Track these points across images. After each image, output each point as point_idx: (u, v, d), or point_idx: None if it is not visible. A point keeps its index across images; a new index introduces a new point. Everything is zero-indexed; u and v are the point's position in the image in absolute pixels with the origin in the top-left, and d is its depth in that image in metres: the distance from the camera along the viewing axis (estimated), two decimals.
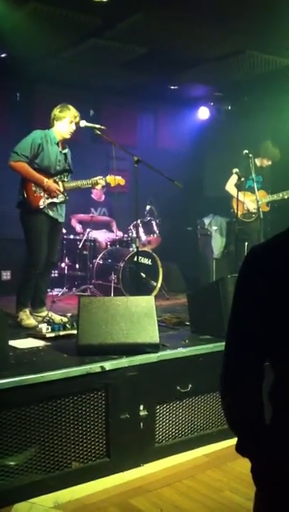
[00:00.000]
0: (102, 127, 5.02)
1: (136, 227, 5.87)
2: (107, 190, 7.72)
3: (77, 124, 5.04)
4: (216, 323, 4.11)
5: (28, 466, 3.21)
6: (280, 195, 6.47)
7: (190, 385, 3.87)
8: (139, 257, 6.16)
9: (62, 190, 5.02)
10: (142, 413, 3.63)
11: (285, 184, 6.61)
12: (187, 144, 9.16)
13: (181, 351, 3.92)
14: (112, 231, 7.44)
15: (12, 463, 3.15)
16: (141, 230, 6.97)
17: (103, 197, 7.72)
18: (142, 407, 3.64)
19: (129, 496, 3.25)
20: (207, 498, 3.24)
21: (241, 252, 6.66)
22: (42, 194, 4.91)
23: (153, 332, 3.77)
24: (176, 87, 7.80)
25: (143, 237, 6.99)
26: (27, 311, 4.97)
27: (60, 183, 5.03)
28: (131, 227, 7.03)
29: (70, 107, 5.02)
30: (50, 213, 4.98)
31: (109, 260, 6.75)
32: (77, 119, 5.02)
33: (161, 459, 3.71)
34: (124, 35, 5.72)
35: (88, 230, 7.05)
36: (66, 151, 5.17)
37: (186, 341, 4.19)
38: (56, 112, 5.01)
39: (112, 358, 3.60)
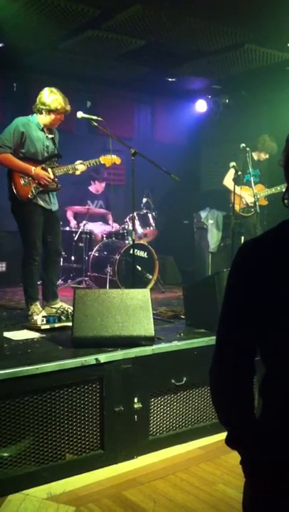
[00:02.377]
0: (99, 119, 4.97)
1: (132, 219, 5.86)
2: (106, 183, 7.70)
3: (67, 114, 4.86)
4: (211, 317, 4.10)
5: (21, 457, 3.21)
6: (278, 188, 6.46)
7: (184, 378, 3.88)
8: (135, 250, 6.15)
9: (52, 177, 4.88)
10: (136, 406, 3.64)
11: (282, 178, 6.59)
12: (184, 137, 9.15)
13: (176, 344, 3.92)
14: (109, 223, 7.42)
15: (6, 454, 3.16)
16: (137, 222, 6.95)
17: (101, 191, 7.70)
18: (136, 400, 3.64)
19: (122, 488, 3.26)
20: (200, 490, 3.25)
21: (237, 246, 6.63)
22: (30, 184, 4.79)
23: (148, 325, 3.77)
24: (173, 80, 7.77)
25: (139, 229, 6.98)
26: (38, 304, 4.87)
27: (49, 169, 4.88)
28: (127, 219, 7.02)
29: (59, 95, 4.78)
30: (42, 204, 4.86)
31: (105, 253, 6.74)
32: (66, 108, 4.80)
33: (155, 452, 3.73)
34: (123, 27, 5.68)
35: (84, 222, 7.03)
36: (53, 135, 5.01)
37: (181, 334, 4.20)
38: (44, 98, 4.77)
39: (107, 350, 3.60)
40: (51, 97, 4.77)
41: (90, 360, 3.45)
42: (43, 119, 4.83)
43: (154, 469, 3.52)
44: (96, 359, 3.47)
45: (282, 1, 5.01)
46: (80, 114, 4.95)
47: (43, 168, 4.86)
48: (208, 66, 7.00)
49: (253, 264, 1.40)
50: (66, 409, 3.38)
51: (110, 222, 7.39)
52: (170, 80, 7.76)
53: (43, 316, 4.37)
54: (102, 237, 7.15)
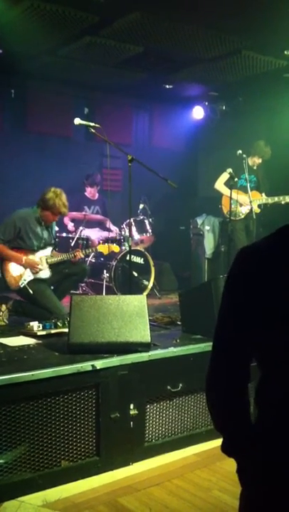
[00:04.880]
0: (97, 125, 4.99)
1: (129, 225, 5.87)
2: (101, 188, 7.71)
3: (63, 214, 5.15)
4: (207, 323, 4.08)
5: (17, 464, 3.20)
6: (275, 199, 6.48)
7: (180, 385, 3.88)
8: (132, 256, 6.16)
9: (44, 265, 5.10)
10: (132, 412, 3.63)
11: (280, 185, 6.64)
12: (181, 143, 9.18)
13: (172, 351, 3.92)
14: (105, 229, 7.42)
15: (1, 461, 3.15)
16: (134, 228, 6.96)
17: (97, 195, 7.70)
18: (132, 406, 3.64)
19: (118, 495, 3.25)
20: (196, 497, 3.24)
21: (233, 252, 6.68)
22: (22, 273, 5.00)
23: (144, 331, 3.77)
24: (171, 87, 7.80)
25: (136, 235, 6.99)
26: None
27: (42, 258, 5.10)
28: (124, 225, 7.02)
29: (60, 197, 5.01)
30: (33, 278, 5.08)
31: (102, 259, 6.74)
32: (64, 212, 5.08)
33: (150, 458, 3.72)
34: (121, 34, 5.71)
35: (81, 228, 7.03)
36: (50, 225, 5.25)
37: (178, 341, 4.19)
38: (45, 197, 5.02)
39: (103, 356, 3.60)
40: (51, 196, 5.02)
41: (86, 366, 3.45)
42: (40, 213, 5.09)
43: (149, 476, 3.52)
44: (92, 365, 3.47)
45: (279, 9, 5.05)
46: (77, 121, 4.96)
47: (34, 257, 5.07)
48: (206, 73, 7.03)
49: (250, 270, 1.40)
50: (62, 416, 3.37)
51: (109, 226, 7.38)
52: (167, 86, 7.79)
53: (39, 322, 4.36)
54: (99, 242, 7.14)
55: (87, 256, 6.36)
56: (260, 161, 6.88)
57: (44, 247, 5.16)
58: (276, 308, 1.35)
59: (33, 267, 5.01)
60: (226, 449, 1.50)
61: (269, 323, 1.36)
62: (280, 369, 1.36)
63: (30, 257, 5.03)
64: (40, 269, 5.06)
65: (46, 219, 5.11)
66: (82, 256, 5.42)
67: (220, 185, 6.82)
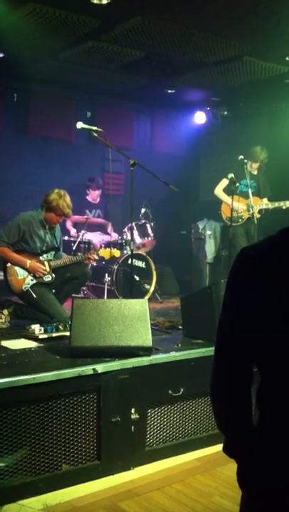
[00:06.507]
0: (99, 129, 5.00)
1: (130, 229, 5.88)
2: (103, 192, 7.72)
3: (67, 215, 5.16)
4: (208, 328, 4.11)
5: (18, 467, 3.20)
6: (276, 204, 6.50)
7: (182, 389, 3.87)
8: (133, 260, 6.16)
9: (48, 270, 5.10)
10: (133, 416, 3.63)
11: (282, 190, 6.65)
12: (183, 148, 9.19)
13: (174, 355, 3.92)
14: (107, 233, 7.44)
15: (2, 464, 3.15)
16: (135, 232, 6.96)
17: (98, 199, 7.71)
18: (133, 411, 3.64)
19: (118, 499, 3.24)
20: (196, 502, 3.24)
21: (234, 257, 6.67)
22: (25, 278, 4.99)
23: (146, 335, 3.77)
24: (173, 91, 7.81)
25: (137, 239, 6.99)
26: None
27: (46, 262, 5.10)
28: (125, 229, 7.03)
29: (63, 199, 5.02)
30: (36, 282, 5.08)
31: (103, 262, 6.74)
32: (68, 213, 5.09)
33: (151, 463, 3.72)
34: (123, 38, 5.72)
35: (83, 231, 7.04)
36: (54, 229, 5.26)
37: (179, 345, 4.19)
38: (48, 198, 5.03)
39: (105, 360, 3.60)
40: (54, 197, 5.02)
41: (87, 370, 3.45)
42: (44, 215, 5.09)
43: (150, 480, 3.51)
44: (93, 369, 3.47)
45: (280, 15, 5.06)
46: (79, 125, 4.97)
47: (39, 261, 5.06)
48: (207, 78, 7.04)
49: (251, 269, 1.41)
50: (63, 420, 3.37)
51: (110, 231, 7.39)
52: (169, 91, 7.80)
53: (40, 326, 4.37)
54: (101, 246, 7.15)
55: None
56: (256, 165, 6.90)
57: (47, 251, 5.16)
58: (276, 308, 1.36)
59: (37, 271, 5.00)
60: (226, 448, 1.51)
61: (269, 322, 1.37)
62: (280, 370, 1.36)
63: (35, 260, 5.03)
64: (44, 273, 5.05)
65: (50, 220, 5.10)
66: (97, 258, 5.42)
67: (219, 191, 6.85)
